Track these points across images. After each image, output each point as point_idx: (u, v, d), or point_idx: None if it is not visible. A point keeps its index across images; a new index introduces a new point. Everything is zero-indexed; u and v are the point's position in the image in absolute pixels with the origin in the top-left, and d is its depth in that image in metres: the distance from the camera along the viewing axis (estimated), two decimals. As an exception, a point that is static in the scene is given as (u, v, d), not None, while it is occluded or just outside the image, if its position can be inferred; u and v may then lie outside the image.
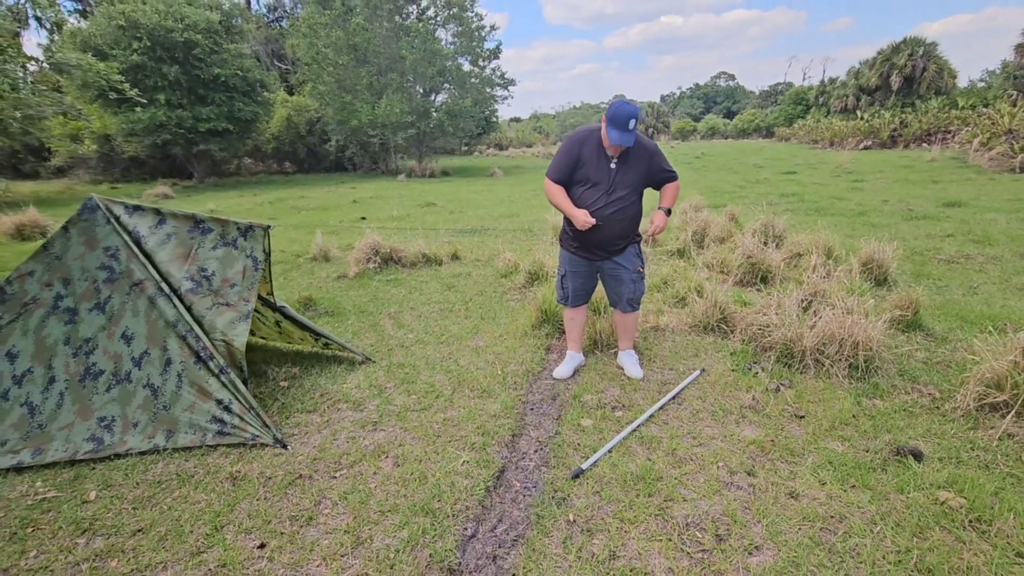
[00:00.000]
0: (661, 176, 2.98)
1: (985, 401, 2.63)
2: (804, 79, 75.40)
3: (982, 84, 37.78)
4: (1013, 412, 2.52)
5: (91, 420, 2.63)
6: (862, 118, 32.60)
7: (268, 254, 3.18)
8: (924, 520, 1.98)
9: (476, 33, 23.25)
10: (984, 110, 22.89)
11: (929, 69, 33.32)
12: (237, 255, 2.94)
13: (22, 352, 2.71)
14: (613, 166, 2.87)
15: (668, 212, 3.03)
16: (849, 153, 24.21)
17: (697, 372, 3.26)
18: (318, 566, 1.88)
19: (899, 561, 1.81)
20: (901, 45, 34.81)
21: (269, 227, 3.05)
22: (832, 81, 45.30)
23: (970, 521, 1.96)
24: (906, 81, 34.00)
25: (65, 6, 32.10)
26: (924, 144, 26.67)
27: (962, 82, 35.85)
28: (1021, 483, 2.18)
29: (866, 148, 28.49)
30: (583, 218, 2.84)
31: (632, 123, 2.67)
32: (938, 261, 5.65)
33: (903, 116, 29.69)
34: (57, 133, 20.51)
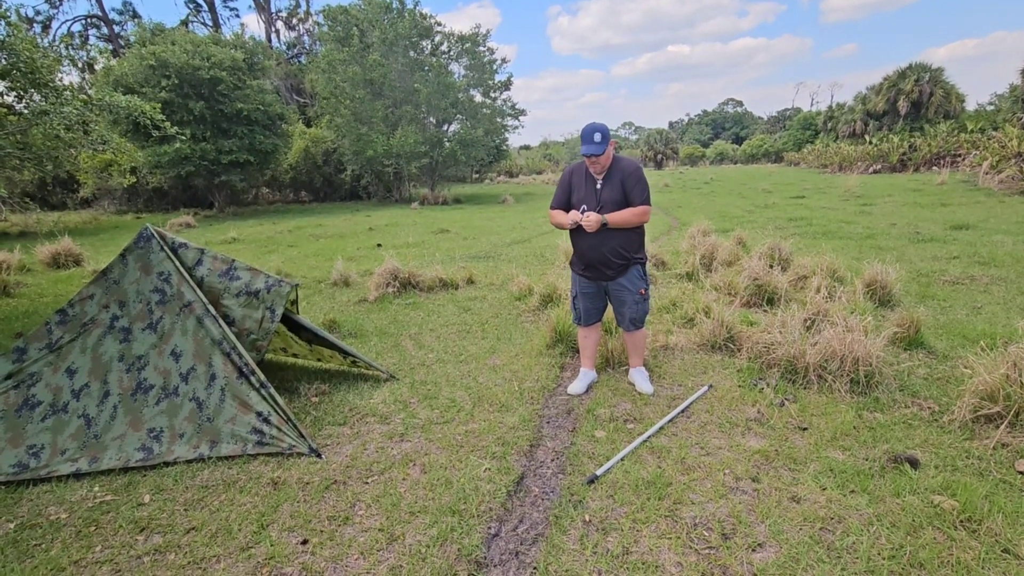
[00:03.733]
0: (631, 191, 3.11)
1: (980, 413, 2.76)
2: (812, 104, 76.28)
3: (991, 107, 37.95)
4: (1006, 423, 2.65)
5: (142, 431, 2.85)
6: (871, 142, 32.85)
7: (296, 300, 3.49)
8: (918, 521, 2.12)
9: (488, 66, 24.05)
10: (993, 133, 23.02)
11: (936, 94, 33.64)
12: (258, 305, 3.19)
13: (80, 368, 2.96)
14: (599, 186, 3.17)
15: (605, 222, 3.06)
16: (858, 177, 24.38)
17: (705, 388, 3.42)
18: (356, 559, 2.06)
19: (893, 557, 1.95)
20: (907, 71, 35.24)
21: (297, 284, 3.34)
22: (840, 106, 45.80)
23: (961, 521, 2.10)
24: (913, 106, 34.31)
25: (97, 45, 33.80)
26: (934, 168, 26.78)
27: (970, 106, 36.09)
28: (1012, 488, 2.31)
29: (875, 172, 28.67)
30: (571, 217, 3.13)
31: (597, 136, 3.02)
32: (943, 282, 5.78)
33: (912, 140, 29.90)
34: (86, 166, 21.42)
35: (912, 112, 34.46)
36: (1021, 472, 2.40)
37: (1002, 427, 2.65)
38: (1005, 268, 6.19)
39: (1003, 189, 15.12)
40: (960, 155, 25.58)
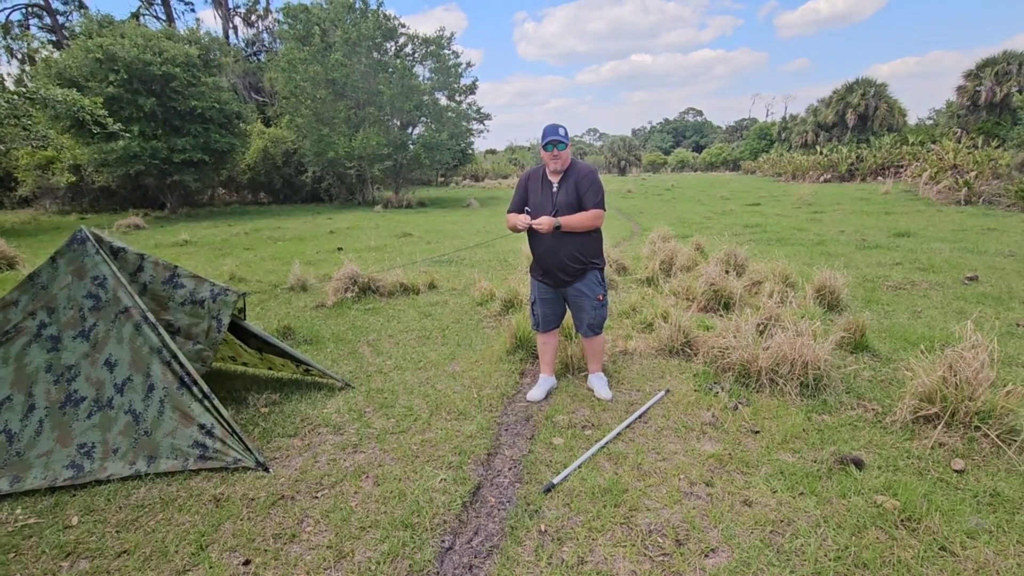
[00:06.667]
0: (584, 195, 3.11)
1: (920, 414, 2.88)
2: (767, 115, 79.11)
3: (930, 122, 40.31)
4: (943, 423, 2.77)
5: (71, 447, 2.66)
6: (821, 153, 34.33)
7: (243, 309, 3.36)
8: (862, 521, 2.18)
9: (453, 69, 23.95)
10: (932, 146, 24.43)
11: (881, 108, 35.47)
12: (203, 314, 3.06)
13: (1, 380, 2.75)
14: (555, 189, 3.17)
15: (558, 226, 3.05)
16: (810, 186, 25.40)
17: (662, 393, 3.46)
18: (301, 579, 1.97)
19: (838, 558, 2.00)
20: (854, 85, 37.04)
21: (245, 294, 3.21)
22: (793, 118, 47.73)
23: (902, 520, 2.17)
24: (860, 119, 36.08)
25: (38, 36, 32.00)
26: (879, 178, 28.19)
27: (912, 120, 38.24)
28: (948, 486, 2.40)
29: (826, 181, 29.94)
30: (522, 220, 3.12)
31: (561, 131, 3.07)
32: (887, 288, 6.04)
33: (859, 151, 31.40)
34: (24, 163, 20.21)
35: (859, 124, 36.21)
36: (957, 471, 2.51)
37: (939, 427, 2.76)
38: (942, 274, 6.53)
39: (940, 199, 16.01)
40: (902, 166, 27.02)
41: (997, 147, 21.02)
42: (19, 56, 30.15)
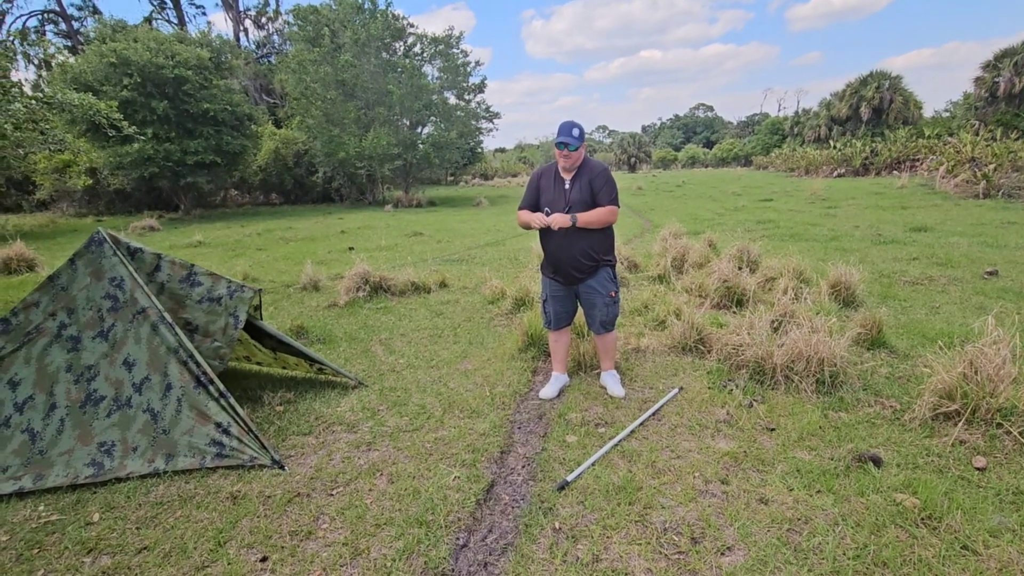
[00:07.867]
0: (599, 192, 3.11)
1: (939, 411, 2.83)
2: (779, 110, 78.31)
3: (947, 114, 39.63)
4: (963, 420, 2.73)
5: (91, 445, 2.71)
6: (835, 147, 33.87)
7: (259, 306, 3.39)
8: (881, 519, 2.15)
9: (461, 68, 23.99)
10: (949, 139, 24.01)
11: (896, 100, 34.93)
12: (220, 311, 3.09)
13: (24, 380, 2.80)
14: (567, 187, 3.15)
15: (573, 221, 3.06)
16: (823, 181, 25.10)
17: (675, 390, 3.43)
18: (318, 576, 1.98)
19: (857, 556, 1.97)
20: (868, 78, 36.51)
21: (260, 290, 3.24)
22: (806, 112, 47.17)
23: (922, 519, 2.14)
24: (875, 112, 35.56)
25: (54, 41, 32.52)
26: (894, 172, 27.73)
27: (928, 112, 37.65)
28: (970, 484, 2.36)
29: (840, 176, 29.54)
30: (538, 219, 3.11)
31: (575, 131, 3.06)
32: (904, 283, 5.95)
33: (873, 145, 30.95)
34: (42, 167, 20.58)
35: (873, 118, 35.70)
36: (978, 468, 2.47)
37: (960, 424, 2.72)
38: (961, 269, 6.42)
39: (958, 193, 15.73)
40: (918, 160, 26.56)
41: (1016, 139, 20.60)
42: (36, 62, 30.66)
